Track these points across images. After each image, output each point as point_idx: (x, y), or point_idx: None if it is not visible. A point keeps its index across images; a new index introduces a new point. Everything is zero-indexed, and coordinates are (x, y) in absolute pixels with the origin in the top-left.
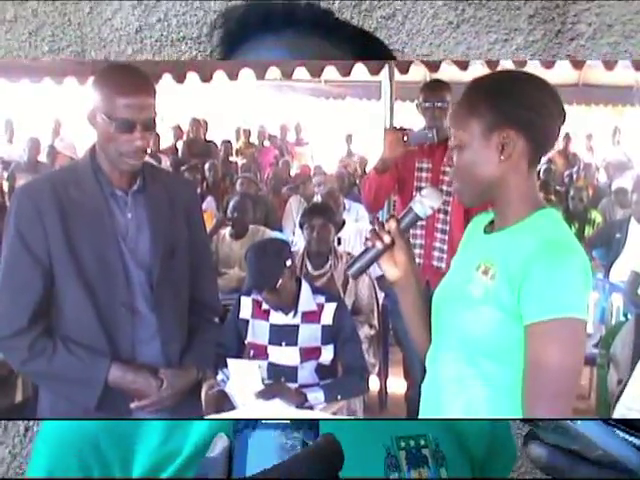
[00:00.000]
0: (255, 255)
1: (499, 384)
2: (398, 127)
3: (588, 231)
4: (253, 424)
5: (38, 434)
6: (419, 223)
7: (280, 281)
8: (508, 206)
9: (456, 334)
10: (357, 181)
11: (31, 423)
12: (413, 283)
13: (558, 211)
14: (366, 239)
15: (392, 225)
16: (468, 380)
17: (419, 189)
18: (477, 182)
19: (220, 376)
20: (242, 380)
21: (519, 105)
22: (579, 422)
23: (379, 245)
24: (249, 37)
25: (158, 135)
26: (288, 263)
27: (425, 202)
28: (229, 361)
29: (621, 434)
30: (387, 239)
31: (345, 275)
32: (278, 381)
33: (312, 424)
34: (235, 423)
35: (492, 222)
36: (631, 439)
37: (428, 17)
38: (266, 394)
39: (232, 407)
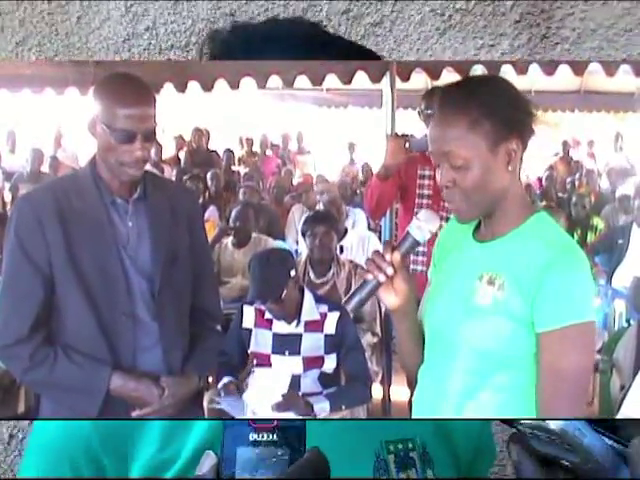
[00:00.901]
0: (259, 265)
1: (511, 392)
2: (400, 133)
3: (590, 237)
4: (242, 441)
5: (30, 436)
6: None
7: (285, 291)
8: (506, 214)
9: (464, 346)
10: (357, 190)
11: (16, 431)
12: (412, 311)
13: (547, 213)
14: (366, 270)
15: (396, 257)
16: (477, 391)
17: (421, 196)
18: (485, 198)
19: (220, 383)
20: (265, 389)
21: (516, 111)
22: (561, 423)
23: (382, 278)
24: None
25: (160, 145)
26: (292, 273)
27: (423, 226)
28: (256, 370)
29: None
30: (390, 271)
31: (348, 283)
32: (292, 391)
33: (299, 438)
34: (223, 440)
35: (478, 228)
36: (611, 442)
37: (415, 23)
38: (282, 406)
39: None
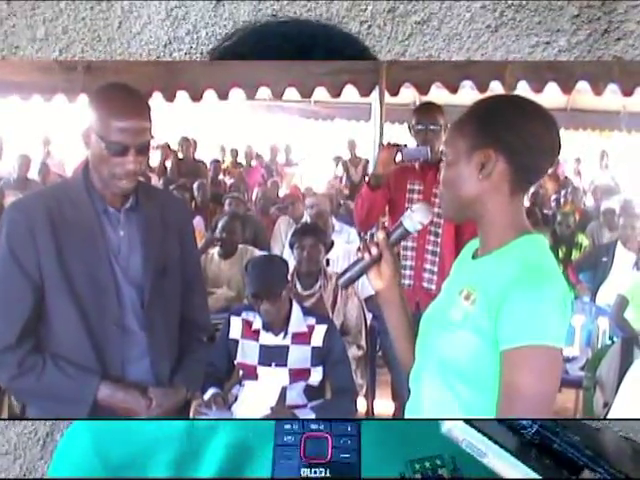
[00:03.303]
0: (260, 264)
1: (474, 409)
2: (392, 143)
3: (575, 255)
4: (293, 475)
5: (48, 468)
6: (410, 245)
7: (284, 293)
8: (491, 230)
9: (435, 357)
10: (341, 202)
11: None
12: (397, 297)
13: (544, 237)
14: (357, 249)
15: (380, 237)
16: (446, 404)
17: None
18: (457, 197)
19: (235, 391)
20: (254, 403)
21: (502, 128)
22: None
23: (367, 257)
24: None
25: (148, 155)
26: (288, 278)
27: (415, 217)
28: (246, 383)
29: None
30: (374, 251)
31: (334, 295)
32: (281, 406)
33: (353, 475)
34: (273, 472)
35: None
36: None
37: (465, 21)
38: (271, 419)
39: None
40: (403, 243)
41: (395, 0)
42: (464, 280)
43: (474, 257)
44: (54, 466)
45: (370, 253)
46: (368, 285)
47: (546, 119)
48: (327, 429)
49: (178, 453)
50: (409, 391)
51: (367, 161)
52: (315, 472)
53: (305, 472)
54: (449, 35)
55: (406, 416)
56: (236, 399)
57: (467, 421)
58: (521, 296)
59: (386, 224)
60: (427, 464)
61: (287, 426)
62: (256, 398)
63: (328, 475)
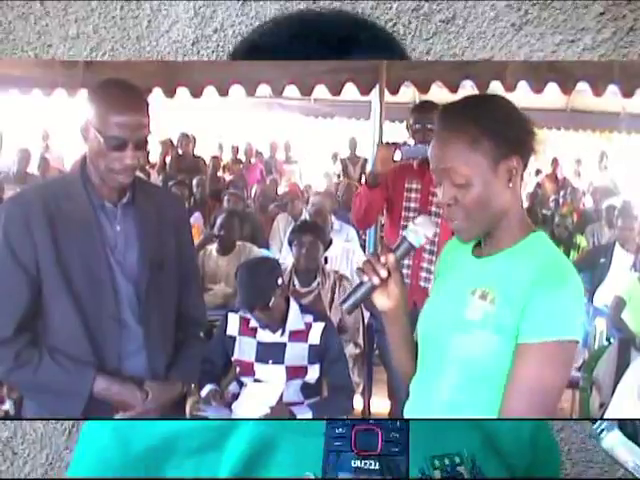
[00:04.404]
0: (247, 273)
1: (495, 409)
2: (391, 141)
3: (573, 255)
4: (344, 467)
5: (70, 464)
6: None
7: (273, 299)
8: (505, 231)
9: (452, 359)
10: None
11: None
12: (402, 315)
13: (545, 234)
14: (361, 272)
15: (390, 259)
16: (463, 407)
17: (408, 209)
18: (486, 216)
19: (232, 388)
20: (255, 402)
21: (515, 129)
22: None
23: (376, 280)
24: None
25: (147, 150)
26: (279, 282)
27: (419, 231)
28: (248, 384)
29: None
30: (384, 274)
31: (332, 293)
32: (281, 405)
33: (402, 468)
34: (324, 463)
35: (478, 245)
36: None
37: (489, 19)
38: (270, 418)
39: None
40: None
41: None
42: (472, 280)
43: (477, 256)
44: (76, 455)
45: (379, 276)
46: None
47: (515, 106)
48: (376, 422)
49: (200, 442)
50: (407, 394)
51: (366, 160)
52: (366, 464)
53: (356, 463)
54: (473, 33)
55: (412, 415)
56: (236, 397)
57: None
58: (546, 291)
59: (383, 222)
60: (447, 461)
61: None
62: (258, 397)
63: (377, 467)
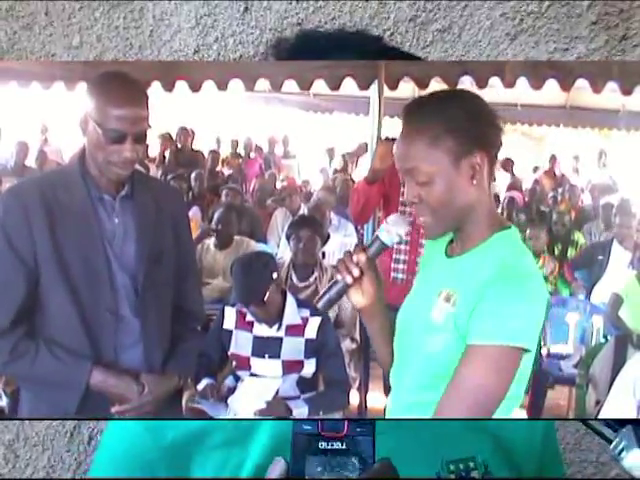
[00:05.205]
0: (242, 269)
1: None
2: (390, 137)
3: (571, 252)
4: (312, 449)
5: (96, 454)
6: (404, 238)
7: (267, 295)
8: (473, 229)
9: (417, 360)
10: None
11: (95, 432)
12: (379, 310)
13: (516, 229)
14: (335, 270)
15: (361, 258)
16: (426, 407)
17: (404, 204)
18: (451, 213)
19: (228, 382)
20: (251, 396)
21: (479, 125)
22: None
23: (349, 279)
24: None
25: (146, 143)
26: (274, 276)
27: (392, 230)
28: (246, 378)
29: None
30: (356, 272)
31: None
32: (277, 400)
33: (369, 448)
34: (293, 447)
35: (451, 243)
36: None
37: (485, 29)
38: (265, 412)
39: (210, 418)
40: None
41: (417, 8)
42: (441, 280)
43: (449, 255)
44: (105, 442)
45: (352, 275)
46: None
47: (484, 100)
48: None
49: (228, 435)
50: (389, 388)
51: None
52: (333, 445)
53: (323, 445)
54: (469, 42)
55: (387, 413)
56: (232, 391)
57: None
58: (496, 295)
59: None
60: (461, 466)
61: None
62: (254, 392)
63: (344, 447)
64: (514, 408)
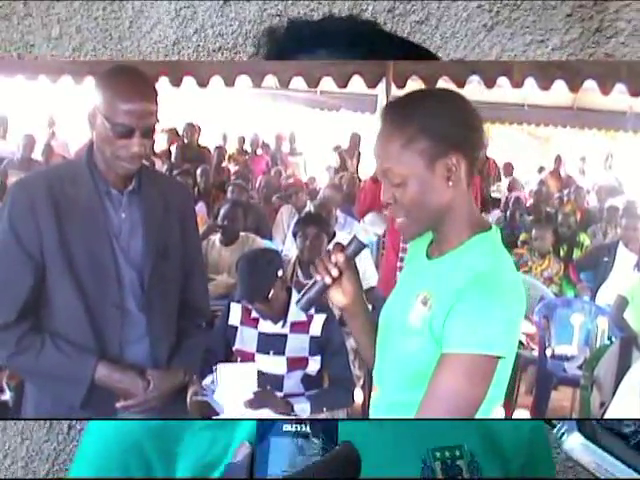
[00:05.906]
0: (247, 266)
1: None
2: None
3: (576, 254)
4: (276, 432)
5: (84, 435)
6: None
7: (272, 292)
8: (450, 230)
9: (395, 360)
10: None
11: (74, 422)
12: (360, 309)
13: (497, 231)
14: (315, 271)
15: (340, 258)
16: (407, 406)
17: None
18: (426, 215)
19: (209, 379)
20: (233, 386)
21: (455, 126)
22: None
23: (327, 279)
24: (293, 55)
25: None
26: (279, 273)
27: (369, 229)
28: (219, 366)
29: None
30: (335, 272)
31: None
32: (265, 389)
33: (331, 432)
34: (258, 429)
35: (432, 244)
36: None
37: (462, 20)
38: (255, 403)
39: (215, 414)
40: None
41: (395, 0)
42: (420, 282)
43: (429, 257)
44: (93, 422)
45: (331, 275)
46: (369, 277)
47: (468, 102)
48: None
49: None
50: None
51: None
52: (297, 428)
53: (287, 427)
54: (446, 34)
55: (371, 410)
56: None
57: (590, 440)
58: (470, 302)
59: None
60: (447, 453)
61: None
62: (234, 381)
63: (308, 430)
64: (493, 409)
